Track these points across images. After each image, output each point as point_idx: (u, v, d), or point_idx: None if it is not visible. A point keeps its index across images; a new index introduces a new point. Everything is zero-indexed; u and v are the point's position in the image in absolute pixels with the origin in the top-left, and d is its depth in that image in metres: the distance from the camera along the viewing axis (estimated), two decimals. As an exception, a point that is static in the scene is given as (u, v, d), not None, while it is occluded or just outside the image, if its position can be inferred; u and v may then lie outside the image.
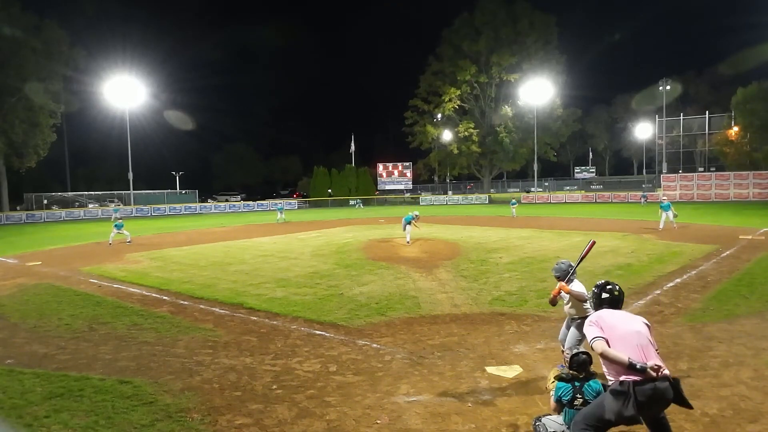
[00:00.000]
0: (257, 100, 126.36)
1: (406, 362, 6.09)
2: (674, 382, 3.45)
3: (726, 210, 31.48)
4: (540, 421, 4.17)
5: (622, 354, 3.36)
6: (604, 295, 3.84)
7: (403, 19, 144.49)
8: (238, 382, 5.61)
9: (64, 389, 5.40)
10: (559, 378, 4.05)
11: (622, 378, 3.37)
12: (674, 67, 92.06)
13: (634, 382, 3.33)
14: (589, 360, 3.99)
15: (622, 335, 3.47)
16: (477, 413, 4.71)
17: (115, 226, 20.64)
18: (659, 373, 3.34)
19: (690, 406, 3.58)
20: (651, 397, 3.34)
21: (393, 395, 5.15)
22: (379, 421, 4.59)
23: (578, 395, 3.91)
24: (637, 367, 3.30)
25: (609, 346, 3.43)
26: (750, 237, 16.64)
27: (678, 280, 10.39)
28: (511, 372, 5.69)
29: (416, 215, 18.29)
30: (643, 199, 41.57)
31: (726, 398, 4.88)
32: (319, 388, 5.39)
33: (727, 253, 13.67)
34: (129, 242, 20.23)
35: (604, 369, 3.53)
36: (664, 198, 25.11)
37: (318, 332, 7.43)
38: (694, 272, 11.12)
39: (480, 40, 54.82)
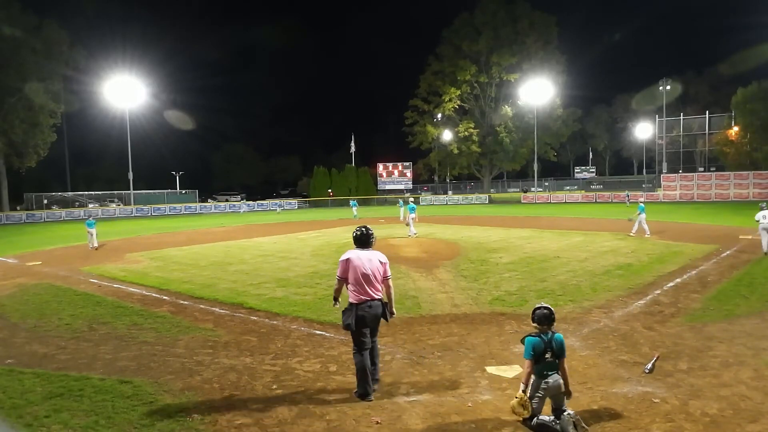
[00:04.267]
0: (257, 100, 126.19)
1: (406, 362, 6.09)
2: (384, 304, 5.23)
3: (726, 210, 31.47)
4: (537, 418, 4.28)
5: (342, 289, 5.29)
6: (355, 234, 5.36)
7: (403, 19, 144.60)
8: (238, 382, 5.61)
9: (64, 389, 5.40)
10: (528, 335, 4.45)
11: (351, 300, 5.14)
12: (674, 67, 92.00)
13: (356, 304, 5.09)
14: (549, 314, 4.43)
15: (358, 274, 5.11)
16: (477, 413, 4.71)
17: (87, 224, 19.17)
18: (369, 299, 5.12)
19: (386, 319, 5.28)
20: (368, 313, 5.09)
21: (393, 395, 5.15)
22: (379, 421, 4.59)
23: (549, 348, 4.32)
24: (334, 301, 5.38)
25: (346, 282, 5.18)
26: (750, 237, 16.63)
27: (678, 280, 10.39)
28: (511, 372, 5.69)
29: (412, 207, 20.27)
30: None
31: (726, 398, 4.88)
32: (319, 388, 5.40)
33: (727, 253, 13.67)
34: (93, 247, 18.69)
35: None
36: (641, 199, 21.49)
37: (318, 332, 7.42)
38: (694, 272, 11.12)
39: (480, 39, 54.82)
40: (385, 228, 24.58)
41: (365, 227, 5.40)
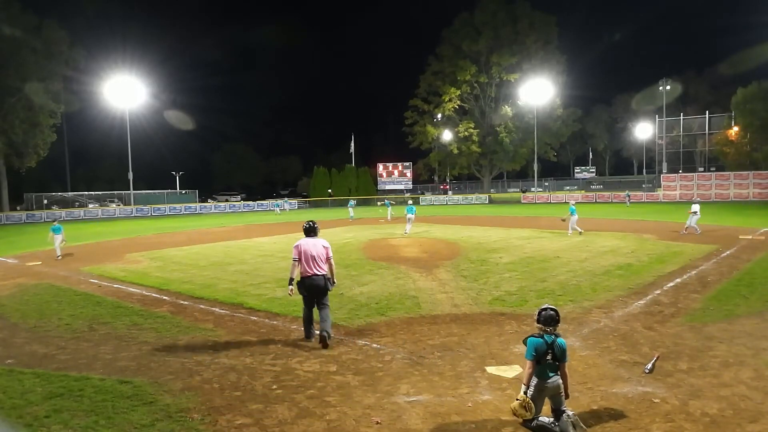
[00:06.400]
0: (257, 100, 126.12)
1: (406, 362, 6.09)
2: (326, 278, 6.79)
3: (726, 210, 31.47)
4: (536, 419, 4.28)
5: (296, 269, 6.84)
6: (304, 226, 6.99)
7: (403, 19, 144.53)
8: (238, 382, 5.61)
9: (64, 389, 5.40)
10: (531, 335, 4.43)
11: (302, 275, 6.74)
12: (674, 67, 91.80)
13: (304, 277, 6.74)
14: (555, 316, 4.42)
15: (307, 256, 6.75)
16: (477, 413, 4.71)
17: (53, 229, 16.72)
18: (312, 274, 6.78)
19: (329, 288, 6.83)
20: (312, 284, 6.73)
21: (393, 395, 5.15)
22: (379, 421, 4.59)
23: (550, 351, 4.28)
24: (290, 279, 6.92)
25: (300, 262, 6.77)
26: (750, 237, 16.64)
27: (678, 280, 10.39)
28: (511, 372, 5.69)
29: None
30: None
31: (726, 398, 4.88)
32: (319, 388, 5.39)
33: (727, 253, 13.67)
34: (58, 257, 16.17)
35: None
36: (572, 201, 21.58)
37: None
38: (694, 272, 11.12)
39: (480, 39, 54.84)
40: (385, 228, 24.58)
41: (312, 221, 7.09)
